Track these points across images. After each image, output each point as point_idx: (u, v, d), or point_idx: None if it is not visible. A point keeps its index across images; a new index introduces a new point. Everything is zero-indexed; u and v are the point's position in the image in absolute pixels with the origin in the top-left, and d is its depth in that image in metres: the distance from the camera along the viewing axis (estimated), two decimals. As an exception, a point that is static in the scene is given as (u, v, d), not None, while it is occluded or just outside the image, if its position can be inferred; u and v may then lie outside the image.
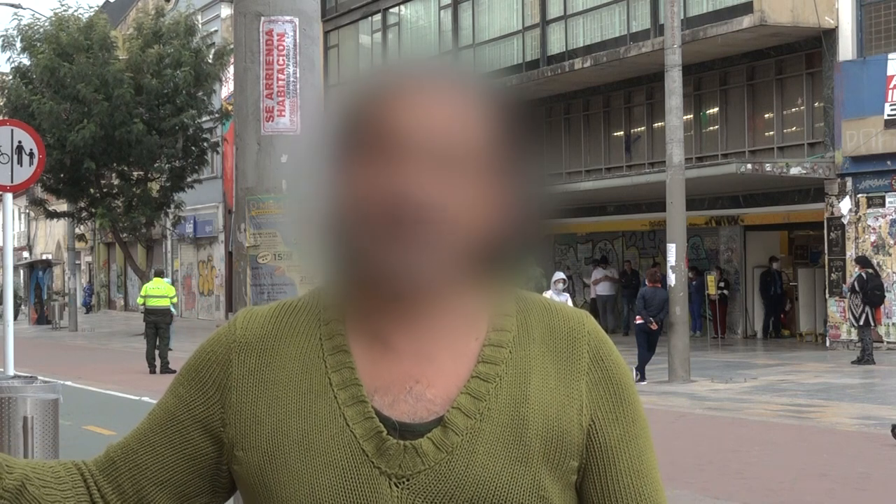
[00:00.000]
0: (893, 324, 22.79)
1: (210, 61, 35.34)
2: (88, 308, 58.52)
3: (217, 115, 36.78)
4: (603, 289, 31.04)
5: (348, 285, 1.58)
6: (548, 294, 19.66)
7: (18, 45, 34.68)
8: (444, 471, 1.50)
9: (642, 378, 19.11)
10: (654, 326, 19.14)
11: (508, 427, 1.52)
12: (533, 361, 1.57)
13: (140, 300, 24.17)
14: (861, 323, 20.99)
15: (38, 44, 34.06)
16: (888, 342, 22.68)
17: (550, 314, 1.62)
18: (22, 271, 51.92)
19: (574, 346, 1.59)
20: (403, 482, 1.50)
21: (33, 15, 36.13)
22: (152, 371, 22.98)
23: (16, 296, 41.77)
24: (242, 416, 1.57)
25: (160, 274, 25.11)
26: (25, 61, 34.84)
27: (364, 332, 1.57)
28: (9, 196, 11.51)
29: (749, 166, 22.95)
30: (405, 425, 1.52)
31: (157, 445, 1.62)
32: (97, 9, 40.08)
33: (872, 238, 23.13)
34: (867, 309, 20.78)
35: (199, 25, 36.98)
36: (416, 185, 1.47)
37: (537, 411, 1.54)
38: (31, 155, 11.59)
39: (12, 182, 11.53)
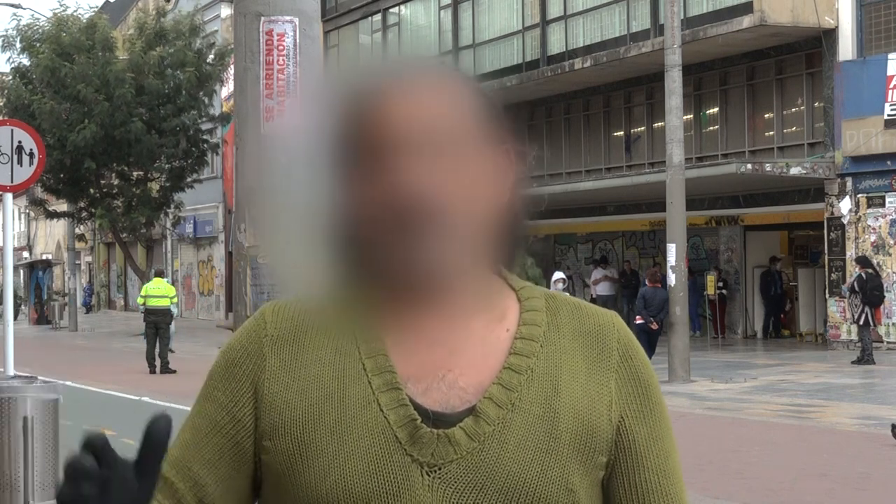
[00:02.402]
0: (893, 324, 22.79)
1: (211, 62, 35.36)
2: (88, 308, 58.52)
3: (217, 118, 36.76)
4: (603, 289, 31.04)
5: (374, 281, 1.58)
6: (548, 294, 19.66)
7: (18, 45, 34.70)
8: (475, 460, 1.50)
9: (642, 378, 19.11)
10: (655, 326, 19.15)
11: (539, 419, 1.53)
12: (563, 356, 1.58)
13: (140, 300, 24.18)
14: (861, 323, 20.99)
15: (38, 44, 34.07)
16: (888, 342, 22.69)
17: (580, 311, 1.63)
18: (22, 271, 51.92)
19: (604, 343, 1.60)
20: (435, 471, 1.50)
21: (32, 15, 36.18)
22: (152, 371, 22.98)
23: (16, 296, 41.78)
24: (275, 405, 1.56)
25: (160, 274, 25.11)
26: (25, 61, 34.87)
27: (395, 323, 1.57)
28: (9, 196, 11.51)
29: (749, 166, 22.95)
30: (438, 414, 1.52)
31: (211, 459, 1.60)
32: (97, 9, 40.09)
33: (872, 238, 23.13)
34: (867, 309, 20.79)
35: (203, 26, 36.97)
36: (419, 178, 1.49)
37: (568, 405, 1.55)
38: (31, 155, 11.59)
39: (12, 182, 11.54)
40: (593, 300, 31.30)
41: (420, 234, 1.49)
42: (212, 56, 35.66)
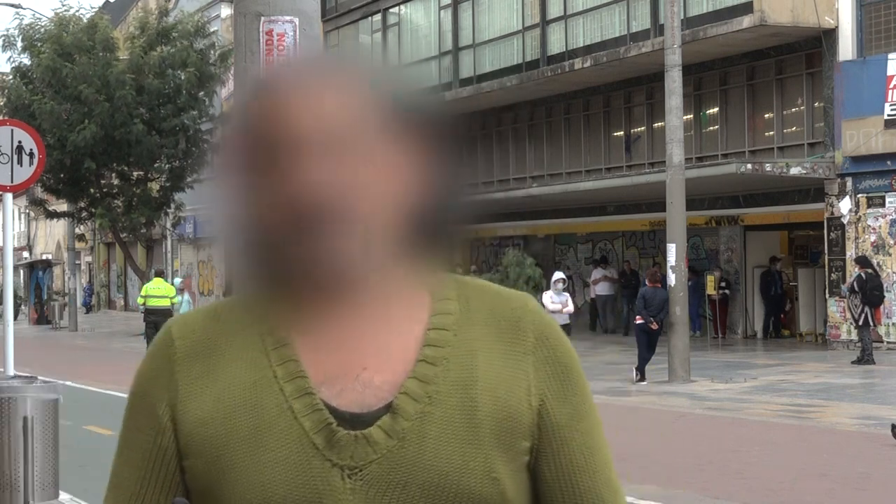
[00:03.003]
0: (893, 324, 22.79)
1: (213, 62, 35.36)
2: (88, 308, 58.50)
3: (217, 118, 36.76)
4: (603, 289, 31.04)
5: (281, 284, 1.56)
6: (547, 294, 19.70)
7: (19, 44, 34.71)
8: (395, 458, 1.48)
9: (643, 378, 19.11)
10: (655, 326, 19.14)
11: (458, 409, 1.50)
12: (478, 343, 1.55)
13: (140, 300, 24.20)
14: (861, 323, 20.99)
15: (39, 44, 34.07)
16: (888, 342, 22.68)
17: (491, 296, 1.60)
18: (22, 271, 51.92)
19: (518, 325, 1.58)
20: (356, 473, 1.47)
21: (34, 15, 36.19)
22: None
23: (16, 296, 41.77)
24: (187, 423, 1.53)
25: (160, 274, 25.14)
26: (26, 61, 34.87)
27: (305, 326, 1.55)
28: (9, 196, 11.50)
29: (749, 166, 22.95)
30: (355, 415, 1.49)
31: (154, 497, 1.58)
32: (98, 9, 40.09)
33: (872, 238, 23.13)
34: (866, 309, 20.78)
35: (209, 26, 36.97)
36: (318, 178, 1.46)
37: (486, 392, 1.52)
38: (31, 155, 11.59)
39: (12, 182, 11.53)
40: (593, 300, 31.34)
41: (321, 234, 1.47)
42: (213, 57, 35.63)
